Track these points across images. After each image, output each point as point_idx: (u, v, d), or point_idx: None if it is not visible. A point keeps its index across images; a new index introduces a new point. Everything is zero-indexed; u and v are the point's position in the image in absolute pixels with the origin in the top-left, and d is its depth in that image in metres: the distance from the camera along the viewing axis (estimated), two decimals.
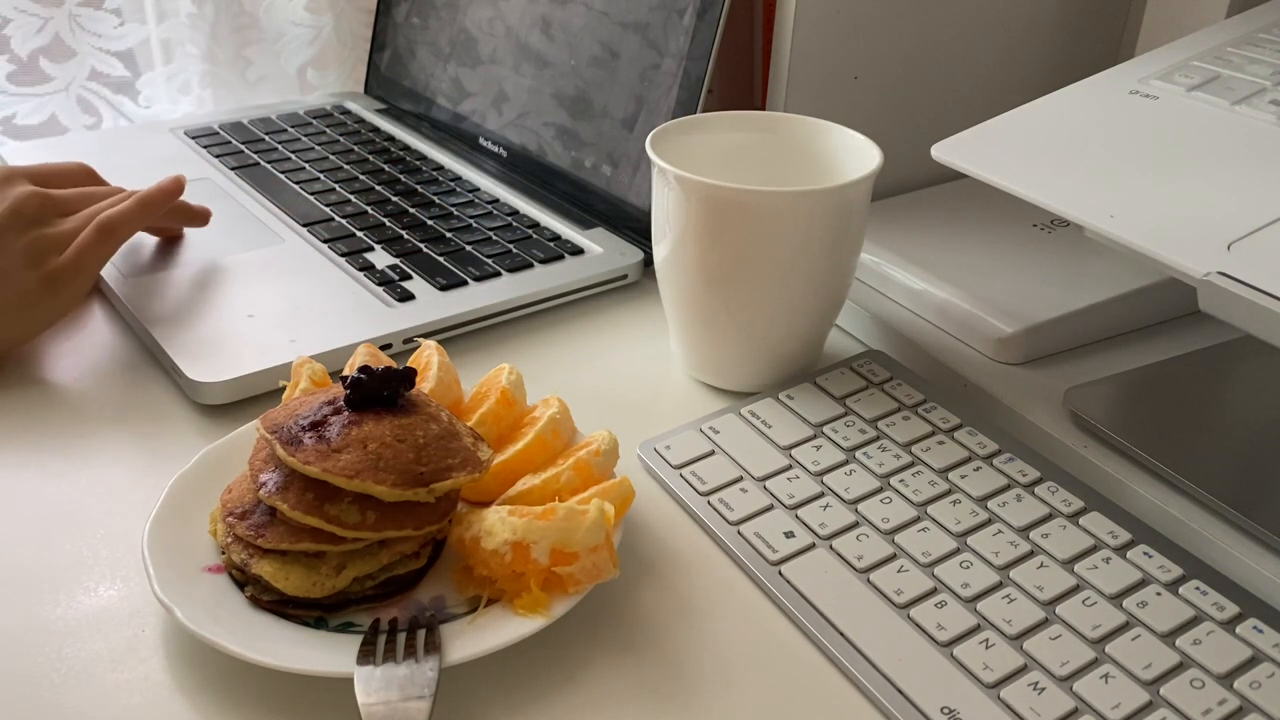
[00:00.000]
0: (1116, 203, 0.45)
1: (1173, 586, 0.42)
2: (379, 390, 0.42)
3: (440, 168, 0.78)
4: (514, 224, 0.70)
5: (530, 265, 0.65)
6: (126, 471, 0.50)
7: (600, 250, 0.67)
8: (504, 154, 0.79)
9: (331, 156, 0.80)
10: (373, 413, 0.41)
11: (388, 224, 0.69)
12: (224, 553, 0.42)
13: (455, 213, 0.71)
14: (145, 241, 0.66)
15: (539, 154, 0.76)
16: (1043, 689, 0.38)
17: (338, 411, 0.41)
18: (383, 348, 0.57)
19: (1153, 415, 0.52)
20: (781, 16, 0.63)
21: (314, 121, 0.86)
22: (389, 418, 0.41)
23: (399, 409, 0.42)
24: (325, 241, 0.67)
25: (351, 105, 0.90)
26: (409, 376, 0.42)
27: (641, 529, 0.47)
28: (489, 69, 0.80)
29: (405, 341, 0.58)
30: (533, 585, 0.40)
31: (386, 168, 0.78)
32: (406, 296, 0.61)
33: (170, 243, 0.66)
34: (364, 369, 0.42)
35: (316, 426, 0.41)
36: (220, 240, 0.67)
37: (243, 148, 0.81)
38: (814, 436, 0.51)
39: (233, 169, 0.77)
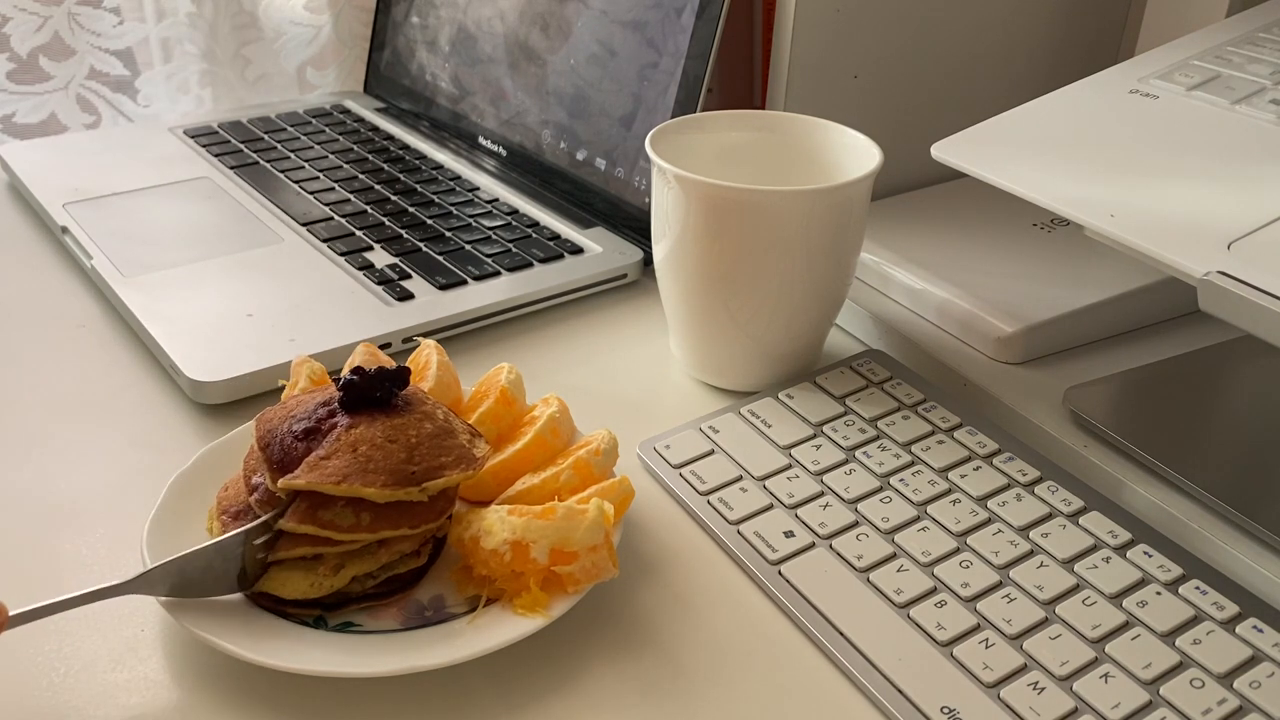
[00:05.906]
0: (1116, 202, 0.45)
1: (1172, 586, 0.42)
2: (371, 392, 0.41)
3: (439, 167, 0.78)
4: (513, 223, 0.70)
5: (530, 264, 0.65)
6: (126, 471, 0.50)
7: (600, 249, 0.67)
8: (503, 153, 0.79)
9: (331, 155, 0.80)
10: (366, 414, 0.41)
11: (387, 223, 0.69)
12: None
13: (454, 212, 0.71)
14: (143, 241, 0.66)
15: (538, 153, 0.75)
16: (1042, 689, 0.38)
17: (331, 414, 0.41)
18: (382, 347, 0.57)
19: (1153, 415, 0.52)
20: (781, 16, 0.63)
21: (313, 120, 0.86)
22: (382, 419, 0.41)
23: (393, 409, 0.42)
24: (324, 241, 0.67)
25: (351, 104, 0.90)
26: (402, 376, 0.42)
27: (641, 529, 0.47)
28: (488, 68, 0.80)
29: (404, 341, 0.58)
30: (532, 585, 0.40)
31: (386, 167, 0.78)
32: (406, 296, 0.61)
33: (169, 243, 0.66)
34: (356, 370, 0.41)
35: (309, 435, 0.40)
36: (219, 240, 0.67)
37: (242, 147, 0.80)
38: (814, 436, 0.51)
39: (232, 168, 0.77)
